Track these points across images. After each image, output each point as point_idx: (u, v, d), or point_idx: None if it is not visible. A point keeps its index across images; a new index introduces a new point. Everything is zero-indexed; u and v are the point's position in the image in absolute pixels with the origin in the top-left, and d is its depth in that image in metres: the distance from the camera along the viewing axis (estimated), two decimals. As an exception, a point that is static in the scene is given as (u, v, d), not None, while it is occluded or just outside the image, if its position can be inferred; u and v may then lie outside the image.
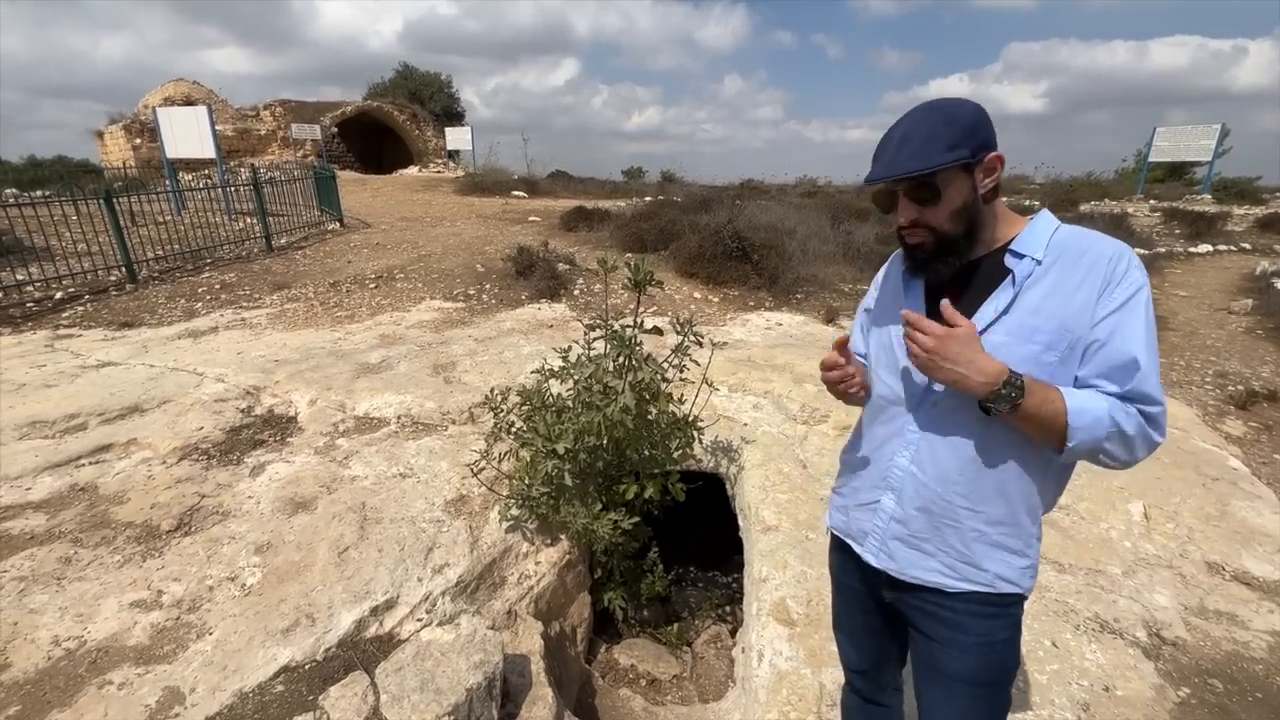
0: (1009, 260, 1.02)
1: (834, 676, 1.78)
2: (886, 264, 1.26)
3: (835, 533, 1.31)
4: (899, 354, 1.12)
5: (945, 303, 1.00)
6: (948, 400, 1.05)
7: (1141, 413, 0.95)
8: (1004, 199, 1.07)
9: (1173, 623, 2.07)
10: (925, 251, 1.03)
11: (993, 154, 0.98)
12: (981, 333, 1.01)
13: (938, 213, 0.99)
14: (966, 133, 0.95)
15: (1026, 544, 1.08)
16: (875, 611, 1.28)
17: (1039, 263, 1.00)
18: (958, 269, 1.07)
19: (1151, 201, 13.53)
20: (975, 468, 1.05)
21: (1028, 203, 13.00)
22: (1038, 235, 1.02)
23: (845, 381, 1.15)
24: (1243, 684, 1.86)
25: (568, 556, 2.55)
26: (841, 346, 1.13)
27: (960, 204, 0.99)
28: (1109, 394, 0.96)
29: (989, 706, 1.13)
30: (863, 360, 1.27)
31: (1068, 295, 0.97)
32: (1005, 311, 1.01)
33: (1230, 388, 4.15)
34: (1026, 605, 2.04)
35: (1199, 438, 3.40)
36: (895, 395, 1.13)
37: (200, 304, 5.52)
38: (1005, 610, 1.10)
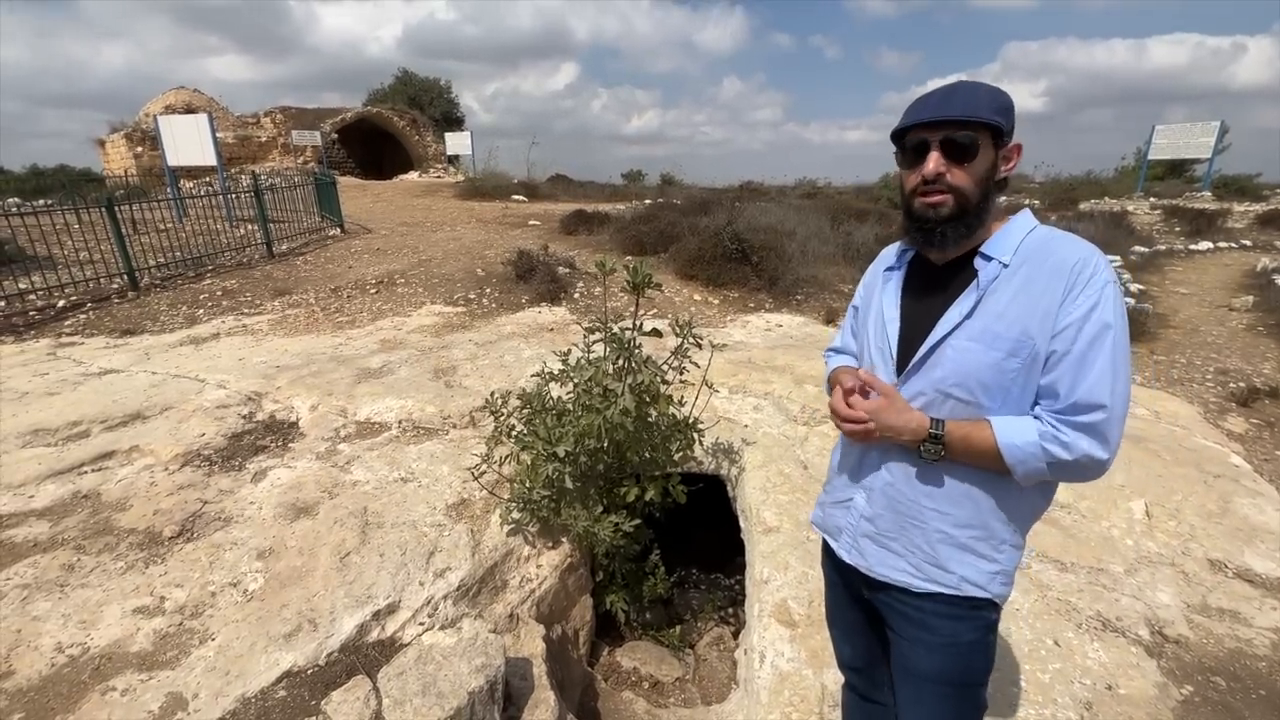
0: (977, 263, 1.02)
1: (836, 677, 1.77)
2: (873, 263, 1.26)
3: (816, 529, 1.33)
4: (875, 354, 1.14)
5: (865, 373, 1.11)
6: (919, 400, 1.06)
7: (1080, 425, 0.93)
8: (1003, 199, 1.07)
9: (1175, 620, 2.07)
10: (940, 214, 1.00)
11: (1015, 142, 1.02)
12: (945, 337, 1.02)
13: (965, 173, 0.98)
14: (1004, 109, 0.98)
15: (997, 549, 1.06)
16: (861, 608, 1.28)
17: (1005, 266, 0.99)
18: (935, 268, 1.09)
19: (1151, 199, 13.50)
20: (943, 470, 1.05)
21: (1028, 202, 13.00)
22: (1010, 238, 1.02)
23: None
24: (1246, 682, 1.86)
25: (569, 559, 2.56)
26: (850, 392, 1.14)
27: (984, 173, 0.99)
28: (1054, 410, 0.95)
29: (956, 707, 1.13)
30: (853, 359, 1.29)
31: (1032, 301, 0.96)
32: (969, 315, 1.00)
33: (1231, 385, 4.14)
34: (1028, 604, 2.05)
35: (1200, 435, 3.39)
36: (873, 394, 1.13)
37: (202, 311, 5.54)
38: (973, 613, 1.09)
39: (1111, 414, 0.92)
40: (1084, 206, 12.83)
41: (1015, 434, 0.96)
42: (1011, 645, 1.92)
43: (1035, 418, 0.98)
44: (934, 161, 0.98)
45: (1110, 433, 0.93)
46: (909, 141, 1.02)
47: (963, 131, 0.96)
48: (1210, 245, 9.18)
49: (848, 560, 1.19)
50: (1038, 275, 0.97)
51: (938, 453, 1.01)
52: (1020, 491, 1.05)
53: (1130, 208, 12.36)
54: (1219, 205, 12.22)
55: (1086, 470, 0.95)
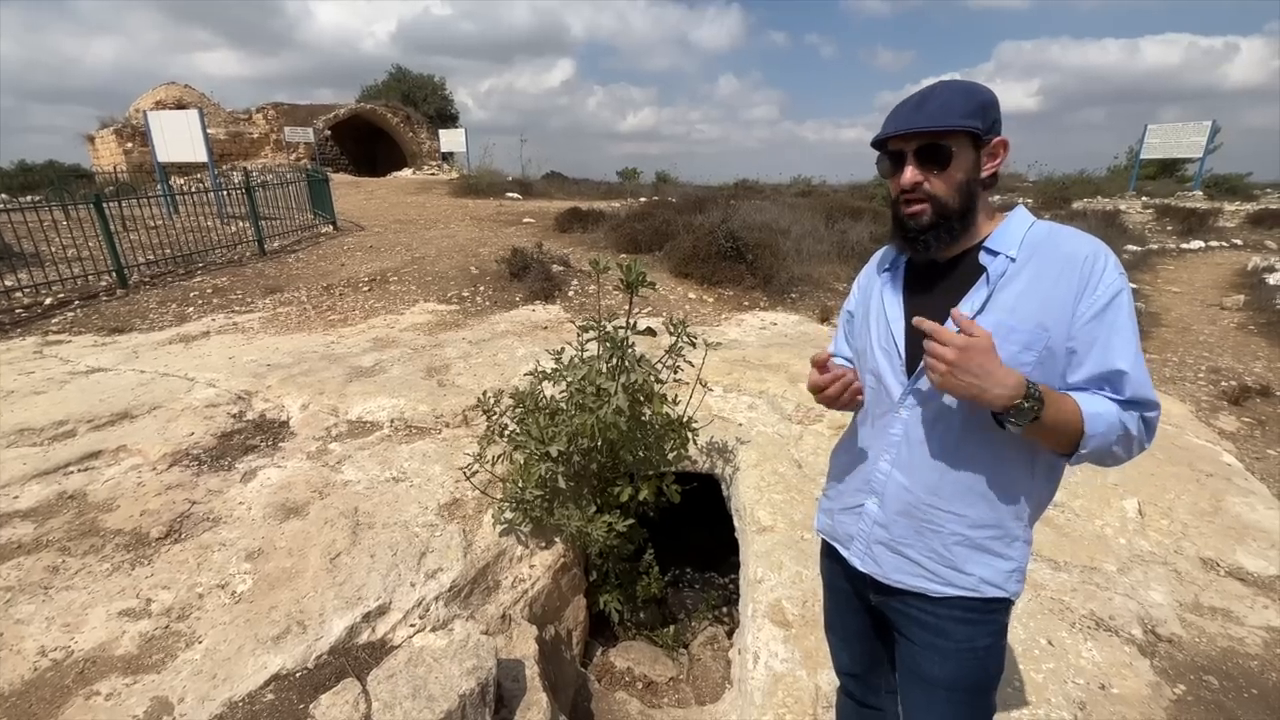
0: (983, 258, 1.01)
1: (830, 678, 1.76)
2: (867, 265, 1.25)
3: (822, 536, 1.31)
4: (880, 357, 1.11)
5: (958, 311, 0.94)
6: (930, 403, 1.04)
7: (1141, 417, 0.95)
8: (996, 197, 1.06)
9: (1168, 619, 2.07)
10: (921, 223, 1.00)
11: (999, 138, 1.00)
12: (958, 332, 0.99)
13: (942, 181, 0.98)
14: (981, 108, 0.97)
15: (1011, 546, 1.06)
16: (864, 614, 1.27)
17: (1013, 260, 0.99)
18: (936, 265, 1.07)
19: (1144, 198, 13.59)
20: (957, 470, 1.04)
21: (1021, 200, 13.05)
22: (1012, 232, 1.01)
23: (842, 388, 1.10)
24: (1238, 680, 1.86)
25: (562, 559, 2.54)
26: (821, 364, 1.11)
27: (963, 178, 0.99)
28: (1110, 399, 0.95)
29: (968, 712, 1.12)
30: (845, 364, 1.26)
31: (1044, 294, 0.96)
32: (981, 310, 0.99)
33: (1223, 383, 4.16)
34: (1022, 603, 2.05)
35: (1192, 433, 3.40)
36: (879, 398, 1.12)
37: (192, 308, 5.48)
38: (989, 616, 1.09)
39: (1160, 409, 0.96)
40: (1077, 205, 12.89)
41: (1097, 404, 0.93)
42: (1007, 645, 1.91)
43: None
44: (909, 173, 0.99)
45: (1157, 424, 0.97)
46: (888, 149, 1.02)
47: (936, 140, 0.96)
48: (1202, 244, 9.25)
49: (861, 569, 1.16)
50: (1047, 268, 0.97)
51: (1035, 411, 0.89)
52: (1032, 485, 1.05)
53: (1123, 207, 12.43)
54: (1210, 204, 12.31)
55: (1134, 452, 0.97)
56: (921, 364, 1.03)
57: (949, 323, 0.95)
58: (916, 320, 0.97)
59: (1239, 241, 9.52)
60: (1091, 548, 2.38)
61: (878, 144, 1.03)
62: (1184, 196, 13.80)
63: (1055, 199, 14.07)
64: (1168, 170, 18.81)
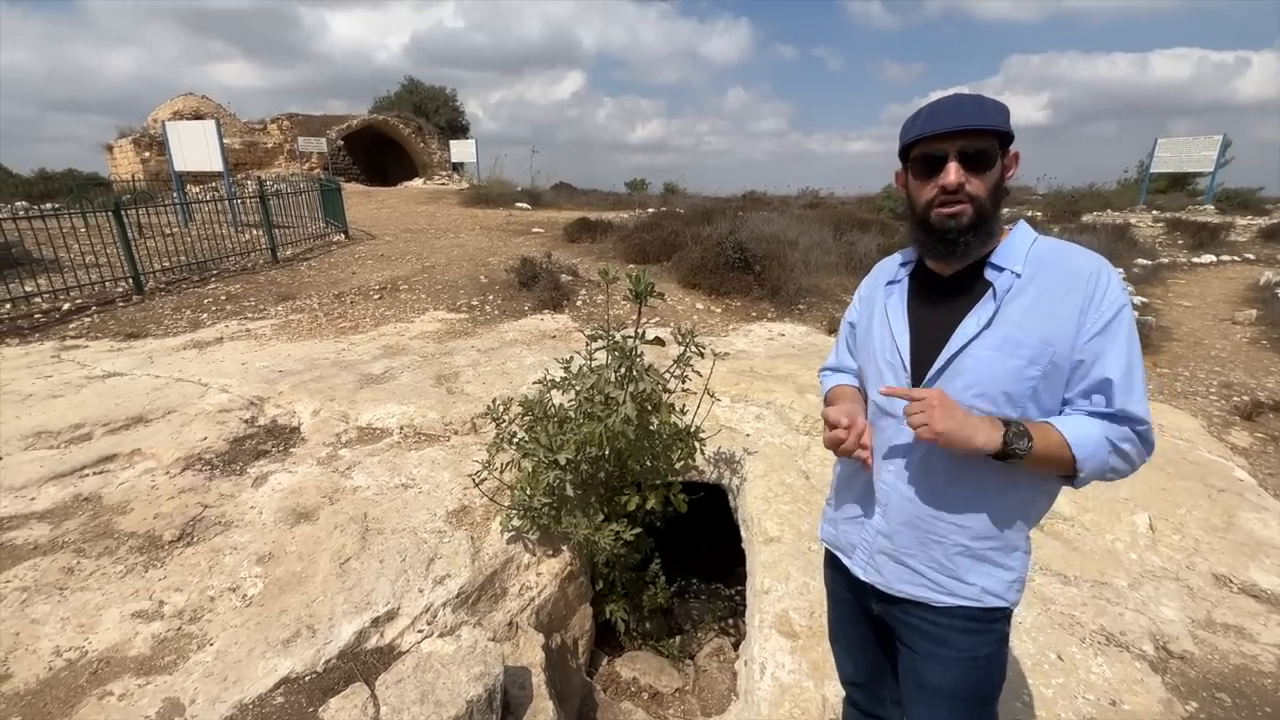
0: (989, 273, 1.02)
1: (837, 689, 1.76)
2: (868, 276, 1.26)
3: (826, 545, 1.31)
4: (884, 369, 1.12)
5: (892, 388, 1.03)
6: None
7: (1132, 430, 0.96)
8: (1005, 210, 1.07)
9: (1180, 636, 2.05)
10: (961, 224, 0.99)
11: (1014, 150, 1.02)
12: (965, 346, 1.01)
13: (982, 182, 0.98)
14: (1007, 118, 0.99)
15: (1011, 557, 1.07)
16: (867, 623, 1.27)
17: (1018, 275, 1.00)
18: (940, 280, 1.08)
19: (1154, 212, 13.51)
20: (960, 481, 1.04)
21: (1030, 213, 13.02)
22: (1016, 248, 1.02)
23: (856, 435, 1.07)
24: (1251, 698, 1.84)
25: (569, 568, 2.55)
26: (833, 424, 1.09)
27: (997, 180, 1.00)
28: (1094, 414, 0.97)
29: None
30: (850, 376, 1.28)
31: (1050, 310, 0.97)
32: (988, 325, 1.00)
33: (1235, 398, 4.12)
34: (1031, 617, 2.04)
35: (1204, 448, 3.37)
36: (883, 409, 1.12)
37: (206, 315, 5.56)
38: (990, 626, 1.09)
39: (1149, 424, 0.96)
40: (1087, 218, 12.84)
41: (1080, 427, 0.94)
42: (1015, 659, 1.90)
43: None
44: (954, 172, 0.97)
45: (1152, 437, 0.97)
46: (922, 153, 1.00)
47: (980, 140, 0.97)
48: (1213, 258, 9.18)
49: (863, 578, 1.17)
50: (1052, 284, 0.98)
51: (1029, 437, 0.92)
52: (1032, 497, 1.06)
53: (1133, 220, 12.37)
54: (1222, 218, 12.23)
55: (1134, 464, 0.97)
56: (930, 374, 1.04)
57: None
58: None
59: (1251, 256, 9.45)
60: (1102, 562, 2.36)
61: (908, 146, 1.02)
62: (1195, 210, 13.72)
63: (1065, 212, 14.01)
64: (1179, 184, 18.71)
